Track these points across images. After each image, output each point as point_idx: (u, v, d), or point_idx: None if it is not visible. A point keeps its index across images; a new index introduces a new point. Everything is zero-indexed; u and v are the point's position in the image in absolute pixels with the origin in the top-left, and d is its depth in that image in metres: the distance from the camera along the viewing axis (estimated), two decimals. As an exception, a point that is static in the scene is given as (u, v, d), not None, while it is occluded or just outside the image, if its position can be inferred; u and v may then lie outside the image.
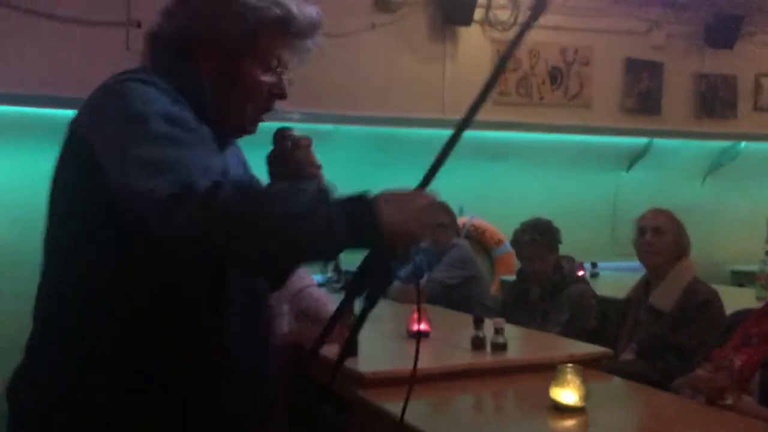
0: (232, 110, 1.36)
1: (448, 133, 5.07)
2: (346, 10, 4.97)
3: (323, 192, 1.19)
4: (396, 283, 4.19)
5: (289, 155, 1.38)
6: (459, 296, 4.03)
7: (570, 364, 1.96)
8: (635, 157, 6.03)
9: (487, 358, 2.51)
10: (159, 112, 1.19)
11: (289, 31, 1.37)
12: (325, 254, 1.27)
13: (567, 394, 1.92)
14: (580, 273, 4.45)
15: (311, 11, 1.43)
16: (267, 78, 1.36)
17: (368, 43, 5.04)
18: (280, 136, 1.41)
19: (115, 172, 1.16)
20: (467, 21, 5.17)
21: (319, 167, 1.38)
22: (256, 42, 1.33)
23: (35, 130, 4.18)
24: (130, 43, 4.43)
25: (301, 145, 1.40)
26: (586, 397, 1.94)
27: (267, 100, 1.38)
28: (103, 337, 1.24)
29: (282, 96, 1.40)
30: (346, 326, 2.43)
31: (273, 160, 1.41)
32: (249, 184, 1.35)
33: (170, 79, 1.28)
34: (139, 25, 4.44)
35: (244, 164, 1.50)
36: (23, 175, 4.17)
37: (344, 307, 1.30)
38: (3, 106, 4.09)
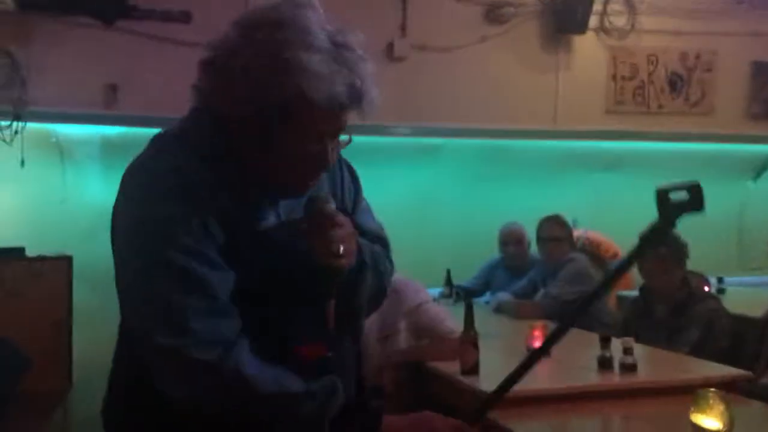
0: (272, 178, 1.26)
1: (559, 144, 4.96)
2: (456, 24, 4.95)
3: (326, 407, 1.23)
4: (511, 299, 4.13)
5: (317, 233, 1.25)
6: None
7: (712, 389, 1.84)
8: (763, 166, 5.69)
9: (616, 379, 2.40)
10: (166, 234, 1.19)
11: (315, 107, 1.20)
12: None
13: (710, 421, 1.80)
14: (706, 289, 4.24)
15: (333, 84, 1.21)
16: (308, 148, 1.24)
17: (479, 55, 4.98)
18: (312, 207, 1.27)
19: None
20: (582, 29, 5.03)
21: (341, 257, 1.24)
22: (287, 115, 1.21)
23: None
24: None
25: (330, 224, 1.25)
26: (731, 424, 1.81)
27: (310, 168, 1.27)
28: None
29: (321, 167, 1.28)
30: (467, 343, 2.40)
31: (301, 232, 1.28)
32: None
33: (212, 142, 1.26)
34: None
35: (340, 186, 1.41)
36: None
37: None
38: (132, 128, 4.30)
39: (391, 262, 1.48)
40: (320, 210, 1.25)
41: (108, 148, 4.40)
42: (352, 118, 1.29)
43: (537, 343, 2.76)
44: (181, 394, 1.20)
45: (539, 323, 2.90)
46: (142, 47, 4.34)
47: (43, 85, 4.27)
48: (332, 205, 1.27)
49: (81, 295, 3.90)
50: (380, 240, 1.46)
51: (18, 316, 3.39)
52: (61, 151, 4.40)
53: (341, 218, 1.27)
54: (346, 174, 1.43)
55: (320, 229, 1.24)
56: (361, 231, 1.37)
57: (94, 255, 4.42)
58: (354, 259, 1.29)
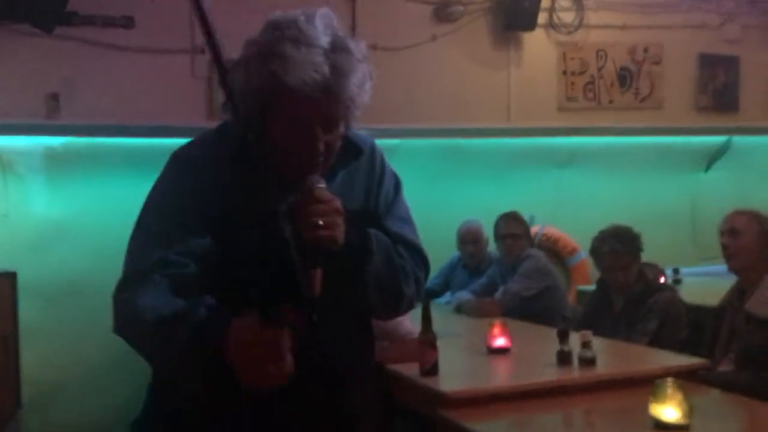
0: (272, 168, 1.37)
1: (514, 141, 4.96)
2: (406, 23, 4.92)
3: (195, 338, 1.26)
4: (470, 297, 4.11)
5: (300, 208, 1.32)
6: (537, 308, 3.89)
7: (670, 378, 1.83)
8: (713, 157, 5.78)
9: (575, 373, 2.38)
10: (154, 202, 1.43)
11: (288, 92, 1.33)
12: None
13: (669, 410, 1.79)
14: (662, 280, 4.27)
15: (306, 70, 1.32)
16: (295, 137, 1.37)
17: (430, 54, 4.97)
18: (300, 186, 1.34)
19: None
20: (531, 26, 5.04)
21: (319, 228, 1.30)
22: (270, 103, 1.35)
23: (107, 158, 4.27)
24: (194, 69, 4.48)
25: (311, 200, 1.32)
26: (690, 413, 1.79)
27: (302, 158, 1.37)
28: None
29: (311, 156, 1.37)
30: (426, 344, 2.36)
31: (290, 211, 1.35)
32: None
33: (232, 131, 1.38)
34: (202, 52, 4.49)
35: (360, 190, 1.53)
36: (96, 204, 4.26)
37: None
38: (76, 138, 4.18)
39: (420, 270, 1.53)
40: (305, 188, 1.33)
41: (51, 159, 4.26)
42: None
43: (497, 342, 2.74)
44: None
45: (498, 321, 2.88)
46: (84, 54, 4.22)
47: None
48: (319, 186, 1.33)
49: (27, 311, 3.77)
50: (408, 245, 1.53)
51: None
52: (2, 163, 4.25)
53: (325, 195, 1.33)
54: (389, 180, 1.56)
55: (302, 204, 1.31)
56: (386, 233, 1.49)
57: (40, 269, 4.31)
58: (339, 234, 1.32)
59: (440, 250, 4.73)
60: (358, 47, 1.40)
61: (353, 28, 4.81)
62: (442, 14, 4.99)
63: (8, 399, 3.54)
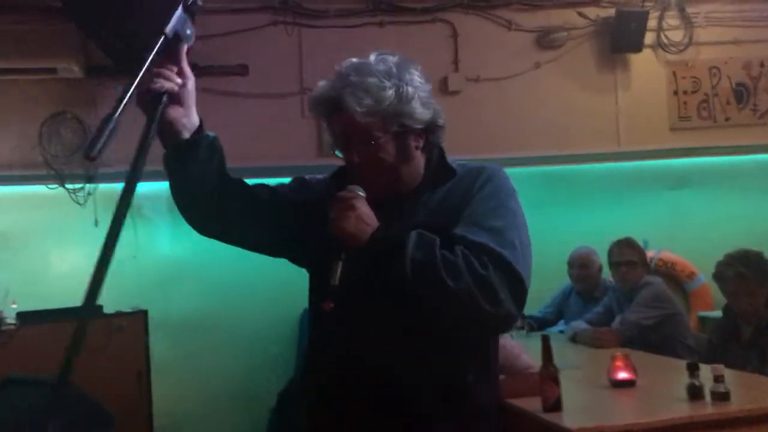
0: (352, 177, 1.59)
1: (625, 165, 4.85)
2: (508, 54, 4.93)
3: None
4: (586, 327, 4.01)
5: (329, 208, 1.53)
6: (657, 337, 3.76)
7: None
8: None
9: (708, 409, 2.27)
10: None
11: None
12: None
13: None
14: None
15: (318, 89, 1.57)
16: (343, 156, 1.58)
17: (534, 82, 4.95)
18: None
19: None
20: (638, 47, 4.94)
21: (332, 221, 1.50)
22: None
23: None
24: (304, 110, 4.65)
25: (336, 199, 1.53)
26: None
27: (352, 172, 1.57)
28: None
29: (351, 167, 1.56)
30: (547, 379, 2.33)
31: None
32: None
33: None
34: (311, 92, 4.65)
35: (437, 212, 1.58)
36: (216, 243, 4.46)
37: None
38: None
39: (488, 269, 1.44)
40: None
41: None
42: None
43: (620, 374, 2.66)
44: None
45: (620, 352, 2.79)
46: (204, 102, 4.43)
47: (111, 146, 4.42)
48: (352, 192, 1.51)
49: (156, 346, 3.97)
50: (472, 246, 1.47)
51: (99, 372, 3.46)
52: (131, 208, 4.53)
53: (345, 195, 1.51)
54: (482, 198, 1.56)
55: (329, 205, 1.52)
56: (449, 237, 1.47)
57: (167, 307, 4.55)
58: (348, 225, 1.46)
59: (550, 278, 4.66)
60: (384, 66, 1.54)
61: (456, 62, 4.87)
62: (545, 41, 4.97)
63: (142, 430, 3.74)
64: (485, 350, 1.63)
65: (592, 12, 5.03)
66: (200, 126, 1.56)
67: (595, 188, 5.08)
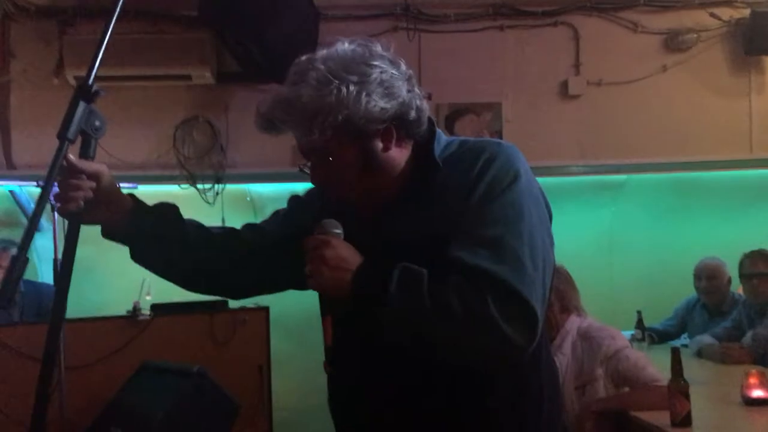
0: None
1: (757, 174, 4.58)
2: (633, 56, 4.79)
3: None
4: (712, 342, 3.84)
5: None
6: (792, 356, 3.54)
7: None
8: None
9: None
10: None
11: None
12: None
13: None
14: None
15: (260, 105, 1.36)
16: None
17: (660, 86, 4.78)
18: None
19: None
20: (774, 49, 4.68)
21: (309, 276, 1.36)
22: None
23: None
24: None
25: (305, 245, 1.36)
26: None
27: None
28: None
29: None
30: (677, 393, 2.26)
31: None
32: None
33: None
34: (429, 98, 4.71)
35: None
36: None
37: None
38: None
39: (477, 298, 1.23)
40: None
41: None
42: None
43: (755, 393, 2.54)
44: None
45: (755, 369, 2.66)
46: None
47: (239, 149, 4.65)
48: (317, 237, 1.34)
49: (275, 342, 4.13)
50: (470, 272, 1.25)
51: (224, 364, 3.65)
52: (255, 208, 4.74)
53: (309, 243, 1.34)
54: (480, 192, 1.33)
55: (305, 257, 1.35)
56: (445, 258, 1.28)
57: (284, 303, 4.70)
58: (323, 282, 1.31)
59: (673, 289, 4.50)
60: (323, 65, 1.30)
61: (577, 66, 4.78)
62: (673, 44, 4.79)
63: (263, 423, 3.90)
64: (516, 372, 1.39)
65: (725, 12, 4.80)
66: (136, 203, 1.47)
67: (725, 196, 4.84)
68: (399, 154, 1.38)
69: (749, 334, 3.69)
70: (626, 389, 2.60)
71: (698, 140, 4.77)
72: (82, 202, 1.33)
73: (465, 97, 4.71)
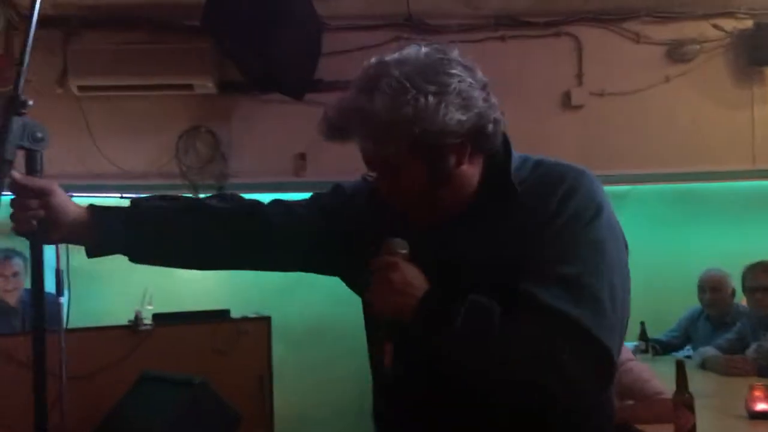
0: None
1: (760, 185, 4.57)
2: (636, 67, 4.80)
3: None
4: (716, 353, 3.82)
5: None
6: (797, 368, 3.52)
7: None
8: None
9: None
10: None
11: None
12: None
13: None
14: None
15: (328, 112, 1.27)
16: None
17: (663, 97, 4.78)
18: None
19: None
20: (777, 60, 4.68)
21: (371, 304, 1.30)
22: None
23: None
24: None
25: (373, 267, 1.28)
26: None
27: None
28: None
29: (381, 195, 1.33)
30: (682, 406, 2.24)
31: None
32: None
33: None
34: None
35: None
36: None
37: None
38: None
39: (566, 352, 1.15)
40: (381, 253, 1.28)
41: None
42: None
43: (759, 406, 2.52)
44: None
45: (759, 383, 2.64)
46: (328, 116, 4.61)
47: (241, 158, 4.66)
48: (384, 258, 1.26)
49: (277, 351, 4.11)
50: (536, 307, 1.17)
51: (225, 373, 3.63)
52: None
53: (376, 263, 1.26)
54: (563, 224, 1.23)
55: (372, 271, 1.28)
56: (520, 294, 1.19)
57: (287, 313, 4.69)
58: (385, 306, 1.25)
59: (676, 300, 4.48)
60: (398, 72, 1.20)
61: (579, 76, 4.78)
62: (676, 55, 4.79)
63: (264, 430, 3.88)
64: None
65: (728, 23, 4.81)
66: (95, 212, 1.36)
67: (727, 207, 4.83)
68: (471, 170, 1.29)
69: (753, 347, 3.66)
70: (630, 402, 2.58)
71: (701, 151, 4.77)
72: (34, 222, 1.27)
73: (467, 107, 4.71)
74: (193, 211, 1.44)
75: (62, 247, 2.87)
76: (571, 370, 1.15)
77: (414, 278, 1.24)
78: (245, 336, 3.94)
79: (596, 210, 1.24)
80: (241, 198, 1.51)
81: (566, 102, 4.76)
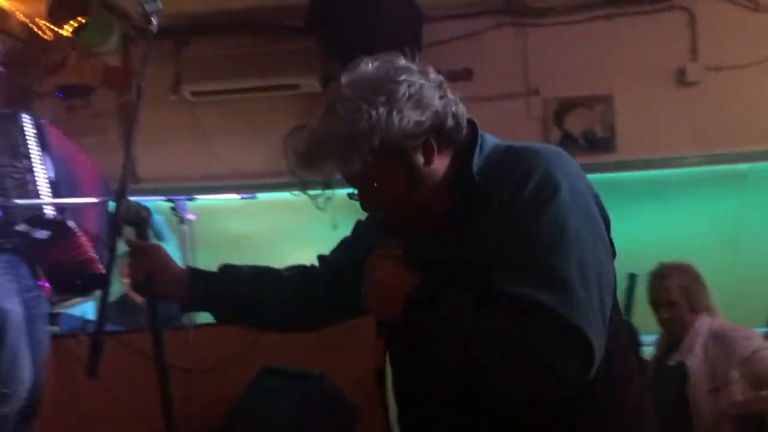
0: None
1: None
2: (754, 39, 4.52)
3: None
4: None
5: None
6: None
7: None
8: None
9: None
10: None
11: None
12: None
13: None
14: None
15: (293, 144, 1.39)
16: None
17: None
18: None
19: None
20: None
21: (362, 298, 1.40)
22: None
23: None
24: (530, 111, 4.62)
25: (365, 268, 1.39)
26: None
27: None
28: None
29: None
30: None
31: None
32: None
33: None
34: (537, 93, 4.62)
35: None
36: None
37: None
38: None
39: (521, 335, 1.16)
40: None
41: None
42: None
43: None
44: None
45: None
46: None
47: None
48: (375, 257, 1.33)
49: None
50: (511, 300, 1.18)
51: (341, 367, 3.69)
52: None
53: (368, 264, 1.34)
54: (519, 202, 1.25)
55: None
56: (496, 291, 1.20)
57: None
58: (375, 305, 1.32)
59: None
60: (351, 92, 1.28)
61: (694, 51, 4.56)
62: (792, 24, 4.48)
63: (381, 427, 3.92)
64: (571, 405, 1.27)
65: None
66: (194, 273, 1.62)
67: None
68: (442, 167, 1.34)
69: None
70: (765, 393, 2.46)
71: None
72: (143, 275, 1.55)
73: (574, 90, 4.60)
74: (269, 277, 1.65)
75: (188, 246, 3.01)
76: (546, 355, 1.15)
77: (402, 277, 1.29)
78: (358, 329, 3.99)
79: (553, 189, 1.24)
80: (304, 265, 1.69)
81: (681, 79, 4.55)
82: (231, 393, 3.40)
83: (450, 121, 1.32)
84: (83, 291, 3.37)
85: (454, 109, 1.33)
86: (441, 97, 1.32)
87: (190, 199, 3.07)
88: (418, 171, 1.32)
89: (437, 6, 4.56)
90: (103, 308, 1.63)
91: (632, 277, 3.66)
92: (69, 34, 4.37)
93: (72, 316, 4.32)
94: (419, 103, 1.28)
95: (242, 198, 3.02)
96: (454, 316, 1.21)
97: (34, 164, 2.85)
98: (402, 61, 1.34)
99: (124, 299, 4.35)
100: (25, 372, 2.83)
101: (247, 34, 4.65)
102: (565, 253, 1.19)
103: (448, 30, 4.54)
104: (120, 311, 4.30)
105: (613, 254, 1.32)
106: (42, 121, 3.01)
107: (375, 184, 1.33)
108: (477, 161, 1.33)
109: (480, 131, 1.39)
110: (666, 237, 4.38)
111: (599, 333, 1.17)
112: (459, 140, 1.35)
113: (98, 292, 2.36)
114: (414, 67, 1.34)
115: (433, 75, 1.34)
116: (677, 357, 2.86)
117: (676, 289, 2.95)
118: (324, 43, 4.34)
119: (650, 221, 4.47)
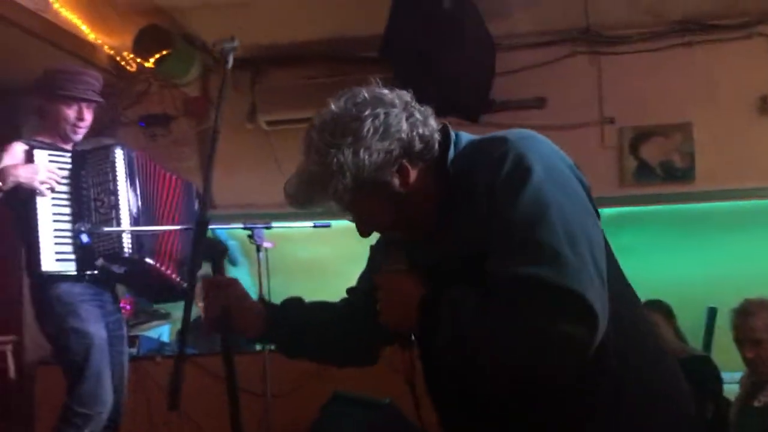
0: None
1: None
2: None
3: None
4: None
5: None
6: None
7: None
8: None
9: None
10: None
11: None
12: None
13: None
14: None
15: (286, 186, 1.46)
16: None
17: None
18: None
19: None
20: None
21: (379, 313, 1.46)
22: None
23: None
24: (604, 140, 4.55)
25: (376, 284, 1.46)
26: None
27: None
28: None
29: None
30: None
31: None
32: None
33: None
34: (612, 122, 4.55)
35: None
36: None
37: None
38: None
39: (534, 310, 1.18)
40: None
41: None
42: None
43: None
44: None
45: None
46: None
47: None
48: (382, 275, 1.42)
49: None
50: (503, 281, 1.21)
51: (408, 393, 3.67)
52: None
53: (379, 280, 1.41)
54: (497, 187, 1.28)
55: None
56: (489, 276, 1.24)
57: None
58: (393, 318, 1.37)
59: None
60: (318, 137, 1.35)
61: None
62: None
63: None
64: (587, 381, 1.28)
65: None
66: (270, 307, 1.64)
67: None
68: (423, 182, 1.38)
69: None
70: None
71: None
72: (219, 309, 1.54)
73: (651, 119, 4.51)
74: (328, 311, 1.68)
75: (263, 272, 3.06)
76: (550, 325, 1.16)
77: (411, 289, 1.35)
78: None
79: (526, 170, 1.26)
80: (345, 299, 1.72)
81: (763, 107, 4.40)
82: (304, 416, 3.43)
83: (418, 143, 1.36)
84: (169, 298, 3.45)
85: (420, 130, 1.36)
86: (408, 118, 1.36)
87: (267, 227, 3.13)
88: (399, 195, 1.37)
89: (510, 35, 4.56)
90: (183, 342, 1.69)
91: (711, 311, 3.53)
92: (152, 66, 4.56)
93: (150, 339, 4.45)
94: (386, 134, 1.33)
95: (315, 226, 3.08)
96: (456, 316, 1.26)
97: (120, 201, 2.99)
98: (364, 93, 1.39)
99: (199, 321, 4.45)
100: (108, 394, 2.92)
101: (322, 65, 4.74)
102: (550, 226, 1.21)
103: (520, 59, 4.53)
104: (195, 333, 4.40)
105: (598, 216, 1.36)
106: (133, 154, 3.15)
107: (363, 213, 1.41)
108: (451, 157, 1.40)
109: (453, 131, 1.43)
110: (748, 270, 4.21)
111: (599, 293, 1.19)
112: (433, 156, 1.39)
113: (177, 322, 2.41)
114: (377, 94, 1.38)
115: (397, 100, 1.38)
116: (763, 398, 2.76)
117: (762, 328, 2.86)
118: (397, 72, 4.39)
119: (731, 253, 4.31)
